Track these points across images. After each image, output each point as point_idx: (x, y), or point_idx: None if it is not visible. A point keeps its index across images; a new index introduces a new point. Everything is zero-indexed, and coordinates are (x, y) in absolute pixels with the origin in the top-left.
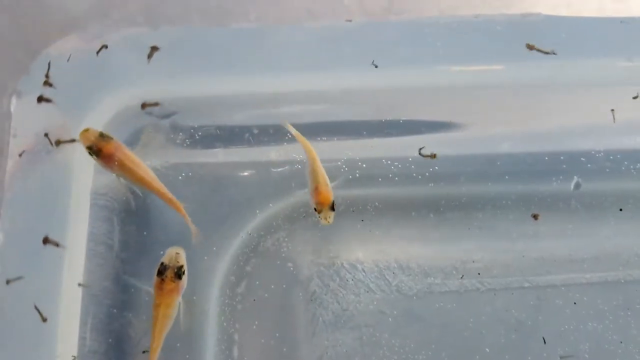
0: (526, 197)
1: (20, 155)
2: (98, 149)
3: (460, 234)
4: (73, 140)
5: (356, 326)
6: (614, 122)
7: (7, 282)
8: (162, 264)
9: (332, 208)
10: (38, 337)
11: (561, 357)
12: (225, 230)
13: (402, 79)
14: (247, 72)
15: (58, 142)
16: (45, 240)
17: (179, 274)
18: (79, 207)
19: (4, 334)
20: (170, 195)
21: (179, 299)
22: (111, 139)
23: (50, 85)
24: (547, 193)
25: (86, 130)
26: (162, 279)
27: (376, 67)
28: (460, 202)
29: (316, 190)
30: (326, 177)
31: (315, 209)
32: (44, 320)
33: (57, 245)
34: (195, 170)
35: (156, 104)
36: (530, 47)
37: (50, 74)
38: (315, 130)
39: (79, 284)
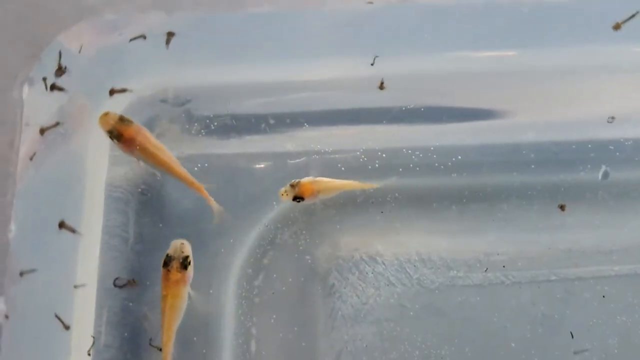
0: (552, 187)
1: (32, 146)
2: (119, 133)
3: (484, 225)
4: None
5: (376, 320)
6: None
7: (21, 274)
8: (167, 255)
9: (298, 199)
10: (51, 331)
11: (575, 352)
12: (242, 222)
13: (424, 65)
14: (263, 58)
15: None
16: (62, 225)
17: (184, 264)
18: (93, 199)
19: (16, 328)
20: (192, 178)
21: (187, 290)
22: (131, 122)
23: (63, 72)
24: (574, 183)
25: (105, 114)
26: (168, 270)
27: (372, 64)
28: (484, 192)
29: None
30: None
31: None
32: (67, 328)
33: (73, 231)
34: (211, 161)
35: (124, 90)
36: (617, 27)
37: (63, 62)
38: (333, 118)
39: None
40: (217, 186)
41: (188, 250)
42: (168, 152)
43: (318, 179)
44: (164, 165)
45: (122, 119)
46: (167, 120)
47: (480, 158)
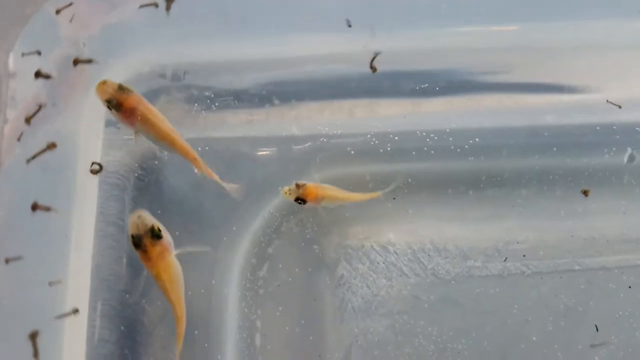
0: (575, 172)
1: (18, 122)
2: (118, 103)
3: (503, 212)
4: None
5: (388, 313)
6: None
7: (6, 261)
8: (132, 236)
9: (299, 201)
10: (42, 325)
11: (592, 346)
12: (245, 209)
13: (438, 41)
14: (265, 34)
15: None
16: (35, 207)
17: (155, 234)
18: (86, 185)
19: (4, 323)
20: (195, 153)
21: (174, 257)
22: (131, 91)
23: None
24: (598, 167)
25: (103, 82)
26: (144, 250)
27: (349, 26)
28: (503, 177)
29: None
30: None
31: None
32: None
33: (47, 209)
34: (212, 145)
35: (89, 61)
36: None
37: (53, 36)
38: (340, 97)
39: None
40: (218, 170)
41: (149, 218)
42: (170, 125)
43: (325, 185)
44: (166, 138)
45: (121, 88)
46: (166, 100)
47: (498, 140)
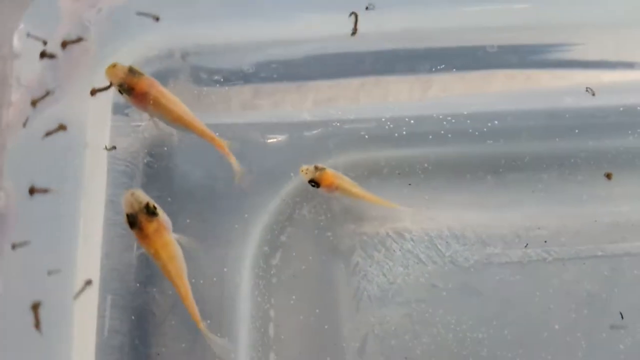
0: (598, 154)
1: (23, 106)
2: (130, 87)
3: (523, 197)
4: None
5: (405, 301)
6: None
7: (13, 246)
8: (127, 215)
9: (313, 183)
10: (51, 315)
11: (611, 327)
12: (257, 195)
13: (454, 20)
14: (274, 15)
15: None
16: (32, 191)
17: (150, 211)
18: (94, 172)
19: (6, 313)
20: (211, 133)
21: (171, 235)
22: (142, 74)
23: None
24: (622, 149)
25: (113, 65)
26: (140, 228)
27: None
28: (523, 161)
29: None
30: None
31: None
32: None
33: (45, 191)
34: (222, 131)
35: (79, 40)
36: None
37: (58, 15)
38: (351, 77)
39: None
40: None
41: (143, 196)
42: (184, 106)
43: (345, 177)
44: (181, 120)
45: (132, 71)
46: (173, 86)
47: (518, 123)
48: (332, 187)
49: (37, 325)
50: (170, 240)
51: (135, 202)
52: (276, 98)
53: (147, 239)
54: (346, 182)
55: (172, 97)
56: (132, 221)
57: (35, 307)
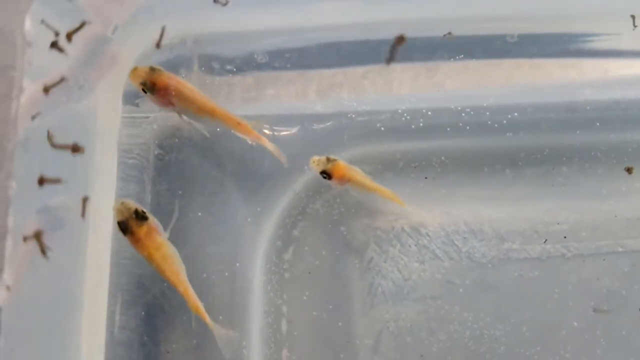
0: (618, 148)
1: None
2: (152, 84)
3: (542, 192)
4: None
5: (421, 298)
6: None
7: (24, 239)
8: (118, 223)
9: (325, 175)
10: (61, 310)
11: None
12: (269, 189)
13: (470, 9)
14: (286, 2)
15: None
16: (42, 181)
17: (141, 216)
18: (104, 165)
19: (19, 306)
20: (237, 118)
21: (163, 237)
22: (162, 70)
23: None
24: None
25: (134, 69)
26: (132, 233)
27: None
28: (542, 154)
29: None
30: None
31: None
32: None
33: (57, 181)
34: None
35: (81, 26)
36: None
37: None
38: (370, 66)
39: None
40: (241, 149)
41: (132, 203)
42: (205, 96)
43: (356, 169)
44: (204, 109)
45: (152, 69)
46: (184, 75)
47: (538, 115)
48: (345, 180)
49: (43, 251)
50: (162, 241)
51: (125, 209)
52: (288, 89)
53: (140, 242)
54: (359, 175)
55: (192, 87)
56: (124, 228)
57: (38, 235)
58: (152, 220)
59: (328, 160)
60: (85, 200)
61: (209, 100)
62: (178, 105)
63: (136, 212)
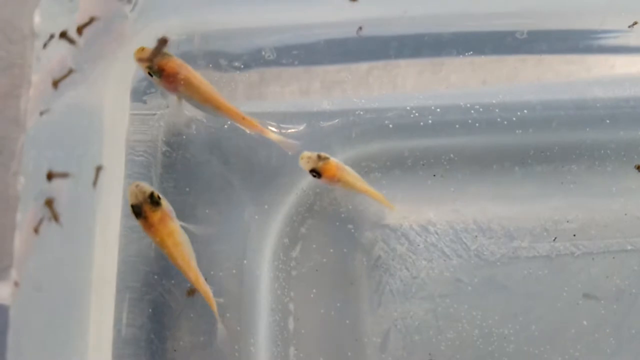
0: (629, 145)
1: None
2: (160, 68)
3: (552, 189)
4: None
5: (429, 296)
6: None
7: (35, 230)
8: (132, 206)
9: (314, 174)
10: (68, 308)
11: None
12: (276, 186)
13: (478, 6)
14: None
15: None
16: (50, 176)
17: (154, 201)
18: (112, 162)
19: (28, 302)
20: (242, 113)
21: (177, 223)
22: (171, 55)
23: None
24: None
25: (142, 49)
26: (145, 218)
27: None
28: (552, 152)
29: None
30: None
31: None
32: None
33: (65, 176)
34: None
35: (91, 21)
36: None
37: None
38: (378, 62)
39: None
40: (248, 146)
41: (147, 187)
42: (213, 87)
43: (348, 169)
44: (211, 101)
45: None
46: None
47: (548, 112)
48: (335, 179)
49: (56, 218)
50: (175, 228)
51: (140, 192)
52: (293, 86)
53: (153, 228)
54: (349, 175)
55: (202, 78)
56: (137, 211)
57: (49, 203)
58: (166, 205)
59: (319, 157)
60: (98, 169)
61: (216, 93)
62: (184, 93)
63: (151, 195)
